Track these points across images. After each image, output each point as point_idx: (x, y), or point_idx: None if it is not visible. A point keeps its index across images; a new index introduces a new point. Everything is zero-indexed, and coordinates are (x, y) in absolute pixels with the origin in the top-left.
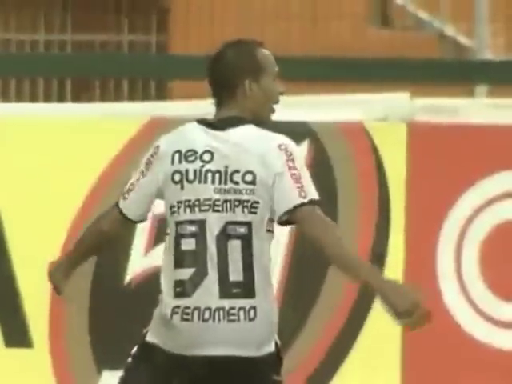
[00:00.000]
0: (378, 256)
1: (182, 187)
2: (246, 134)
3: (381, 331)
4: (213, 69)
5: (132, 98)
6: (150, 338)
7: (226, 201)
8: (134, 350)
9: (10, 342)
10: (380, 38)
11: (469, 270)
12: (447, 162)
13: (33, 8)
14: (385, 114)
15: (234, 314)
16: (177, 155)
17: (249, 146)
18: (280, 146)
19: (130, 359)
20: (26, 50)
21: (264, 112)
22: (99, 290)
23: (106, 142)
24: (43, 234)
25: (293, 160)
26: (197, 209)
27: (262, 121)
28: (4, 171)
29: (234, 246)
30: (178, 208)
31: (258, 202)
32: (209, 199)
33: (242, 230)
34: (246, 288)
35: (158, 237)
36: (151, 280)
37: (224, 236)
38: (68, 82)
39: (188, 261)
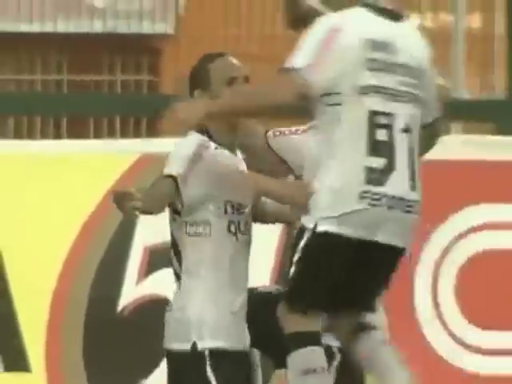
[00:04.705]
0: None
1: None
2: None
3: None
4: None
5: (124, 135)
6: (326, 227)
7: (411, 94)
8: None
9: (9, 367)
10: None
11: (445, 301)
12: (422, 196)
13: (30, 49)
14: None
15: (411, 206)
16: (369, 42)
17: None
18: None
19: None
20: (23, 89)
21: None
22: (93, 317)
23: (98, 178)
24: (40, 266)
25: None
26: (391, 99)
27: None
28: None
29: (412, 140)
30: (369, 92)
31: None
32: (398, 91)
33: (415, 123)
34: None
35: (149, 268)
36: (143, 309)
37: (408, 130)
38: (63, 119)
39: (382, 151)
